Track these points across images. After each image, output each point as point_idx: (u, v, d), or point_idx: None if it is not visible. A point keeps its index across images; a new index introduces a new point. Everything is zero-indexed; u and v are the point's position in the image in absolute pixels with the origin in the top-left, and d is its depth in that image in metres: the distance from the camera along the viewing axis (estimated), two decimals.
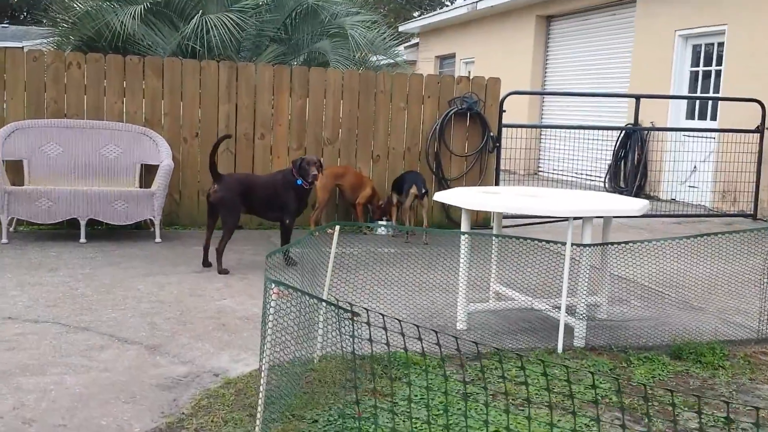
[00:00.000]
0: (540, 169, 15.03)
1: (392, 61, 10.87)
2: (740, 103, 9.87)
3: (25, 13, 34.92)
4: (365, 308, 2.67)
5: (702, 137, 10.73)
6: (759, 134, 9.58)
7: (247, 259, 6.53)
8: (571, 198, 4.86)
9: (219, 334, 4.48)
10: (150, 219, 7.12)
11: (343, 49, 9.46)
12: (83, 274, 5.78)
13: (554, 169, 14.16)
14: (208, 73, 7.77)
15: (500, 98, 8.61)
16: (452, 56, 19.55)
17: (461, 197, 4.59)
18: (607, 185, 12.42)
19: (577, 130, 11.02)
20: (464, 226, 4.72)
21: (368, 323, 2.37)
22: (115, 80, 7.56)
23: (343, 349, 3.09)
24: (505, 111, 8.69)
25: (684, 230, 8.96)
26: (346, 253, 6.90)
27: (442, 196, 4.82)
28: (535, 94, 13.66)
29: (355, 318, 2.48)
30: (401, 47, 13.78)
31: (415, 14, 33.50)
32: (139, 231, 7.48)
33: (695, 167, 11.02)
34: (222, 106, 7.82)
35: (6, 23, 31.13)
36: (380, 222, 7.90)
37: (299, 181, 6.19)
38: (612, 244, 4.51)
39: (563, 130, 11.88)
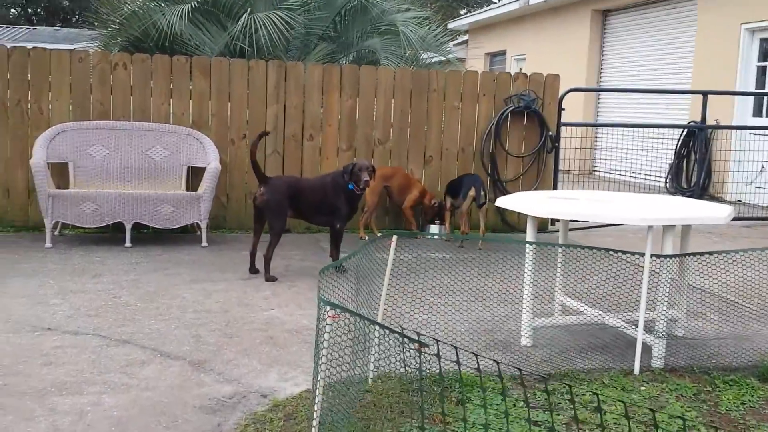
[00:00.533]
0: (595, 168, 14.53)
1: (444, 58, 10.52)
2: None
3: (76, 16, 35.40)
4: (434, 338, 2.34)
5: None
6: None
7: (295, 266, 6.26)
8: (651, 204, 4.47)
9: (267, 349, 4.21)
10: (197, 223, 6.92)
11: (393, 47, 9.15)
12: (127, 280, 5.57)
13: (611, 169, 13.65)
14: (256, 73, 7.54)
15: (559, 96, 8.21)
16: (503, 53, 19.11)
17: (528, 204, 4.25)
18: (668, 185, 11.91)
19: (635, 129, 10.56)
20: (530, 234, 4.37)
21: (438, 356, 2.06)
22: (162, 81, 7.37)
23: (405, 373, 2.79)
24: (564, 109, 8.29)
25: (755, 234, 8.46)
26: (399, 259, 6.59)
27: (506, 202, 4.48)
28: (597, 91, 13.14)
29: (423, 350, 2.16)
30: (450, 44, 13.37)
31: (462, 12, 33.00)
32: (185, 235, 7.28)
33: (763, 167, 10.46)
34: (270, 106, 7.58)
35: (58, 26, 31.57)
36: (433, 227, 7.58)
37: (351, 186, 5.92)
38: (697, 254, 4.11)
39: (621, 128, 11.42)
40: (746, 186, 10.60)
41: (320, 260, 6.46)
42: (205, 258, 6.42)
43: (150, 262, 6.18)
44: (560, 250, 4.87)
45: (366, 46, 9.36)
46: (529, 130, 8.14)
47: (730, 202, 10.64)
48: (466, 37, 21.15)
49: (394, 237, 3.68)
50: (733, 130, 10.60)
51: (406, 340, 2.15)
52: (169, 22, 8.83)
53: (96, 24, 11.05)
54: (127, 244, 6.68)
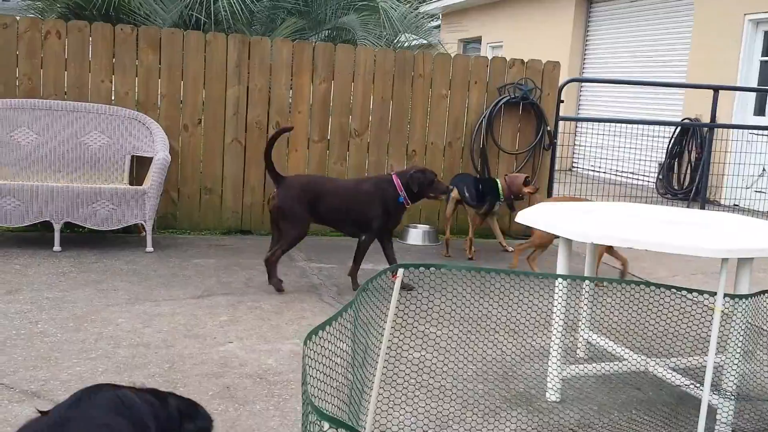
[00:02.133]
0: (575, 165, 13.71)
1: (425, 41, 9.53)
2: None
3: None
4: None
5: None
6: None
7: (258, 279, 5.25)
8: (720, 227, 3.54)
9: (221, 405, 3.21)
10: (141, 223, 5.85)
11: (371, 25, 8.13)
12: (50, 299, 4.51)
13: (592, 167, 12.84)
14: (214, 49, 6.48)
15: (558, 86, 7.30)
16: (478, 40, 18.18)
17: (565, 222, 3.30)
18: (658, 186, 11.14)
19: (621, 124, 9.69)
20: (561, 265, 3.42)
21: None
22: (103, 54, 6.26)
23: None
24: (563, 101, 7.39)
25: None
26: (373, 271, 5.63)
27: (529, 217, 3.53)
28: (598, 81, 12.14)
29: None
30: (431, 27, 12.37)
31: None
32: (127, 236, 6.21)
33: (764, 170, 9.72)
34: (230, 88, 6.53)
35: None
36: (413, 231, 6.65)
37: (401, 198, 5.09)
38: None
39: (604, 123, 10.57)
40: (744, 190, 9.85)
41: (288, 271, 5.46)
42: (149, 268, 5.36)
43: (81, 273, 5.11)
44: (587, 283, 3.95)
45: (341, 24, 8.32)
46: (525, 123, 7.21)
47: (726, 207, 9.90)
48: (439, 22, 20.18)
49: (400, 271, 2.71)
50: (732, 130, 9.81)
51: None
52: None
53: None
54: (56, 248, 5.60)
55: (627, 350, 3.75)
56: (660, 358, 3.70)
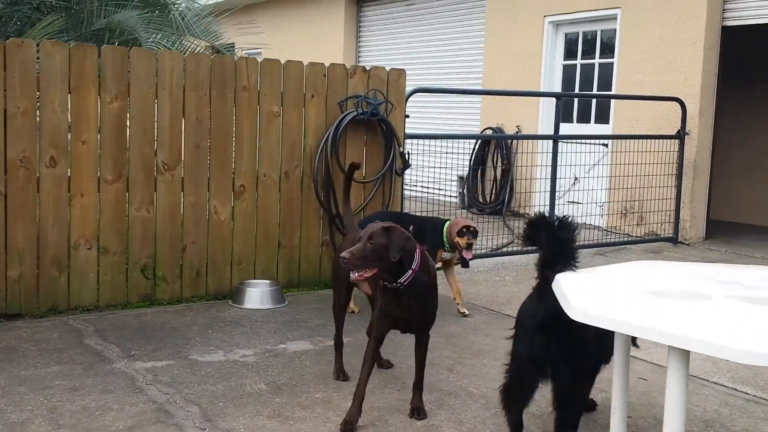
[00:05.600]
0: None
1: (220, 47, 7.83)
2: (636, 103, 8.33)
3: None
4: None
5: (586, 143, 9.01)
6: (679, 140, 7.99)
7: (69, 408, 3.38)
8: None
9: None
10: None
11: (164, 26, 6.32)
12: None
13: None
14: None
15: (405, 98, 6.08)
16: (230, 47, 16.50)
17: (683, 325, 2.02)
18: (461, 201, 10.42)
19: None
20: (675, 414, 2.12)
21: None
22: None
23: None
24: (408, 116, 6.20)
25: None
26: (299, 352, 4.00)
27: (590, 309, 2.21)
28: (447, 92, 10.87)
29: None
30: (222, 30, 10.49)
31: None
32: None
33: (576, 179, 9.31)
34: None
35: None
36: None
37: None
38: None
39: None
40: (557, 200, 9.38)
41: (105, 383, 3.65)
42: None
43: None
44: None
45: (115, 23, 6.36)
46: (372, 144, 5.90)
47: None
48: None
49: None
50: (539, 139, 9.29)
51: None
52: None
53: None
54: None
55: None
56: None
